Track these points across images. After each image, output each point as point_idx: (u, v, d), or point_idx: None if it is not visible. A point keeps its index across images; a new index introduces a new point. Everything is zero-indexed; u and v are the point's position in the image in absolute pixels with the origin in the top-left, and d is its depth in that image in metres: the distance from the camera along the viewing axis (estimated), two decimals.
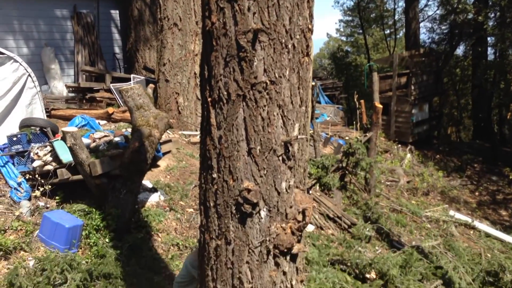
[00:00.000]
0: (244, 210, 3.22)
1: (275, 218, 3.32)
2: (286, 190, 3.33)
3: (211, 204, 3.41)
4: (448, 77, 27.89)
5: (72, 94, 14.68)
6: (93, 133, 8.49)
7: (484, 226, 11.79)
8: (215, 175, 3.34)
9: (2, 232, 6.65)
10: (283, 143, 3.26)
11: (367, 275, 8.35)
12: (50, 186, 7.57)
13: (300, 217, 3.39)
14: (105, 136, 8.41)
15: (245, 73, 3.17)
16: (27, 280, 5.95)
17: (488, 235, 11.35)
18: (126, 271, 6.73)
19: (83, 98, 13.99)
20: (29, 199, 7.57)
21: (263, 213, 3.28)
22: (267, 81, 3.19)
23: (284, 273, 3.53)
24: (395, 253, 9.10)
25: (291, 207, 3.37)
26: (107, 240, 7.27)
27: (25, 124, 8.70)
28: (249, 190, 3.17)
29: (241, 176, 3.23)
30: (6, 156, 8.09)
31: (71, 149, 7.10)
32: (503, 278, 8.12)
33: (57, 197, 7.82)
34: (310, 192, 10.50)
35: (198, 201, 9.63)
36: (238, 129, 3.23)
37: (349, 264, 8.37)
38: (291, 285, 3.63)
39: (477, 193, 15.11)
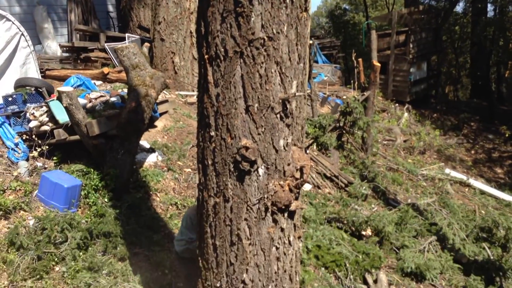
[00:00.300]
0: (242, 168, 3.24)
1: (273, 175, 3.34)
2: (284, 148, 3.34)
3: (209, 162, 3.42)
4: (447, 35, 27.54)
5: (66, 54, 14.45)
6: (89, 93, 8.40)
7: (479, 184, 11.93)
8: (213, 133, 3.33)
9: (1, 192, 6.69)
10: (281, 101, 3.24)
11: (363, 232, 8.51)
12: (47, 147, 7.56)
13: (298, 175, 3.41)
14: (101, 96, 8.34)
15: (243, 29, 3.12)
16: (28, 239, 6.03)
17: (483, 193, 11.51)
18: (126, 230, 6.83)
19: (78, 58, 13.79)
20: (27, 160, 7.58)
21: (261, 171, 3.29)
22: (265, 37, 3.14)
23: (282, 230, 3.58)
24: (390, 211, 9.24)
25: (289, 164, 3.38)
26: (106, 199, 7.33)
27: (20, 84, 8.60)
28: (247, 148, 3.17)
29: (239, 134, 3.23)
30: (2, 116, 8.04)
31: (67, 109, 7.05)
32: (496, 234, 8.27)
33: (54, 158, 7.82)
34: (307, 151, 10.55)
35: (195, 161, 9.66)
36: (235, 86, 3.20)
37: (345, 221, 8.51)
38: (289, 241, 3.69)
39: (473, 151, 15.21)
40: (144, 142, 9.35)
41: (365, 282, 7.28)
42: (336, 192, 9.96)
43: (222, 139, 3.28)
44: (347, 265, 7.37)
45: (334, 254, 7.46)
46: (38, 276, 5.76)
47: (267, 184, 3.33)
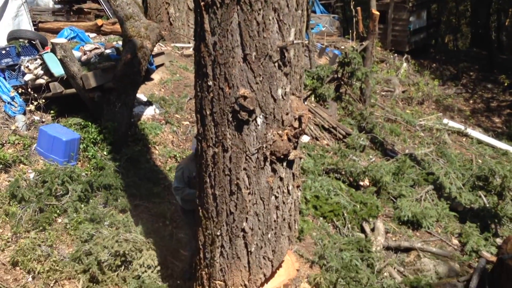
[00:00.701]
0: (241, 118, 3.22)
1: (271, 125, 3.33)
2: (282, 97, 3.31)
3: (208, 112, 3.40)
4: None
5: (59, 6, 14.08)
6: (83, 46, 8.25)
7: (476, 133, 11.97)
8: (210, 83, 3.30)
9: (0, 146, 6.69)
10: (278, 49, 3.19)
11: (361, 183, 8.60)
12: (44, 100, 7.51)
13: (296, 124, 3.40)
14: (96, 48, 8.20)
15: None
16: (29, 191, 6.09)
17: (480, 142, 11.56)
18: (126, 182, 6.89)
19: (70, 9, 13.45)
20: (24, 114, 7.54)
21: (259, 120, 3.28)
22: None
23: (281, 179, 3.61)
24: (388, 161, 9.32)
25: (287, 114, 3.37)
26: (105, 153, 7.35)
27: (13, 37, 8.43)
28: (245, 97, 3.14)
29: (236, 83, 3.19)
30: None
31: (61, 61, 6.95)
32: (492, 182, 8.37)
33: (51, 111, 7.78)
34: (306, 103, 10.50)
35: (193, 114, 9.62)
36: (233, 34, 3.14)
37: (343, 172, 8.58)
38: (288, 190, 3.73)
39: (471, 101, 15.16)
40: (141, 95, 9.29)
41: (362, 230, 7.43)
42: (334, 144, 9.99)
43: (220, 89, 3.24)
44: (345, 214, 7.50)
45: (332, 204, 7.58)
46: (41, 228, 5.86)
47: (265, 134, 3.33)
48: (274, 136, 3.34)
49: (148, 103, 9.26)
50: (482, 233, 7.53)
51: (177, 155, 8.12)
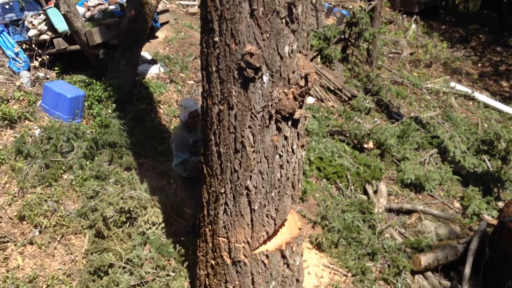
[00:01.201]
0: (247, 75, 3.18)
1: (277, 83, 3.30)
2: (289, 55, 3.27)
3: (213, 69, 3.37)
4: None
5: None
6: (86, 1, 8.11)
7: (483, 97, 11.85)
8: (217, 39, 3.24)
9: (5, 102, 6.69)
10: (286, 4, 3.12)
11: (365, 145, 8.61)
12: (48, 57, 7.46)
13: (302, 82, 3.36)
14: (100, 4, 8.06)
15: None
16: (35, 147, 6.13)
17: (487, 106, 11.46)
18: (131, 141, 6.91)
19: None
20: (29, 70, 7.50)
21: (265, 78, 3.25)
22: None
23: (286, 138, 3.61)
24: (393, 124, 9.29)
25: (293, 72, 3.32)
26: (109, 111, 7.34)
27: None
28: (251, 54, 3.10)
29: (243, 40, 3.14)
30: (1, 25, 7.83)
31: (65, 17, 6.86)
32: (497, 146, 8.36)
33: (56, 68, 7.74)
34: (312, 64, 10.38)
35: (198, 73, 9.55)
36: None
37: (348, 134, 8.58)
38: (292, 149, 3.73)
39: (479, 64, 14.92)
40: (146, 53, 9.20)
41: (365, 192, 7.49)
42: (339, 106, 9.94)
43: (226, 45, 3.20)
44: (348, 176, 7.53)
45: (336, 166, 7.61)
46: (47, 184, 5.92)
47: (271, 92, 3.30)
48: (279, 94, 3.31)
49: (153, 62, 9.17)
50: (484, 196, 7.58)
51: None
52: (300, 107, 3.48)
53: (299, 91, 3.35)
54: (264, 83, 3.25)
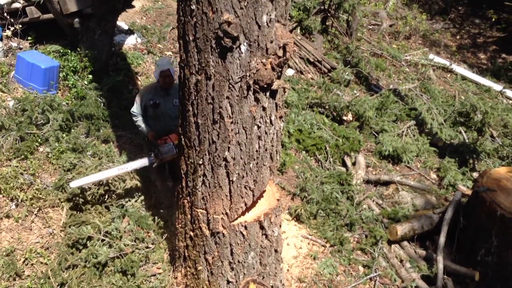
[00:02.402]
0: (224, 44, 3.13)
1: (255, 53, 3.25)
2: (267, 24, 3.21)
3: (191, 38, 3.30)
4: None
5: None
6: None
7: (461, 69, 11.92)
8: (193, 7, 3.16)
9: None
10: None
11: (344, 117, 8.64)
12: (20, 26, 7.24)
13: (280, 53, 3.32)
14: None
15: None
16: (9, 120, 5.99)
17: (464, 78, 11.54)
18: (108, 113, 6.81)
19: None
20: (1, 40, 7.26)
21: (243, 48, 3.19)
22: None
23: (264, 109, 3.58)
24: (372, 96, 9.32)
25: (271, 42, 3.28)
26: (85, 82, 7.20)
27: None
28: (229, 23, 3.04)
29: (220, 8, 3.07)
30: None
31: None
32: (473, 118, 8.48)
33: (29, 38, 7.52)
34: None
35: (176, 45, 9.39)
36: None
37: (327, 107, 8.58)
38: (270, 120, 3.71)
39: (458, 37, 14.98)
40: (122, 23, 9.00)
41: (344, 164, 7.55)
42: (319, 78, 9.92)
43: (204, 13, 3.12)
44: (327, 148, 7.57)
45: (315, 138, 7.64)
46: (22, 156, 5.82)
47: (249, 62, 3.25)
48: (257, 64, 3.27)
49: (129, 32, 8.98)
50: (460, 168, 7.72)
51: None
52: (279, 77, 3.45)
53: (277, 61, 3.31)
54: (242, 53, 3.20)
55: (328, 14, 11.15)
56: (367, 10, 13.94)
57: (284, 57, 3.31)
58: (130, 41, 8.77)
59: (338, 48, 11.14)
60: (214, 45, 3.20)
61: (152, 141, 5.43)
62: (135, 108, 5.44)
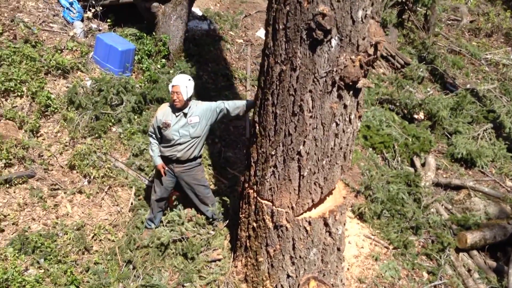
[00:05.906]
0: (315, 36, 3.01)
1: (345, 48, 3.12)
2: (362, 20, 3.06)
3: (280, 27, 3.21)
4: None
5: None
6: None
7: None
8: None
9: (59, 51, 6.73)
10: None
11: (415, 116, 8.33)
12: (101, 8, 7.43)
13: (371, 51, 3.17)
14: None
15: None
16: (86, 99, 6.18)
17: None
18: None
19: None
20: (82, 20, 7.49)
21: (334, 42, 3.07)
22: None
23: (345, 106, 3.46)
24: (447, 95, 8.92)
25: (363, 38, 3.13)
26: (158, 66, 7.31)
27: None
28: (323, 15, 2.91)
29: None
30: None
31: None
32: None
33: (108, 20, 7.71)
34: None
35: (247, 32, 9.35)
36: None
37: (398, 104, 8.31)
38: (350, 119, 3.58)
39: None
40: (196, 9, 9.07)
41: (412, 164, 7.28)
42: (391, 73, 9.60)
43: (298, 3, 3.01)
44: (396, 147, 7.32)
45: (383, 136, 7.40)
46: (96, 135, 6.00)
47: (338, 57, 3.13)
48: (346, 60, 3.14)
49: (203, 18, 9.04)
50: None
51: (228, 74, 8.00)
52: (365, 76, 3.31)
53: (366, 59, 3.16)
54: (331, 47, 3.08)
55: (405, 7, 10.75)
56: (447, 4, 13.34)
57: (375, 56, 3.16)
58: (203, 27, 8.83)
59: (414, 43, 10.73)
60: (304, 36, 3.09)
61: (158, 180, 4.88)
62: (151, 128, 4.79)
